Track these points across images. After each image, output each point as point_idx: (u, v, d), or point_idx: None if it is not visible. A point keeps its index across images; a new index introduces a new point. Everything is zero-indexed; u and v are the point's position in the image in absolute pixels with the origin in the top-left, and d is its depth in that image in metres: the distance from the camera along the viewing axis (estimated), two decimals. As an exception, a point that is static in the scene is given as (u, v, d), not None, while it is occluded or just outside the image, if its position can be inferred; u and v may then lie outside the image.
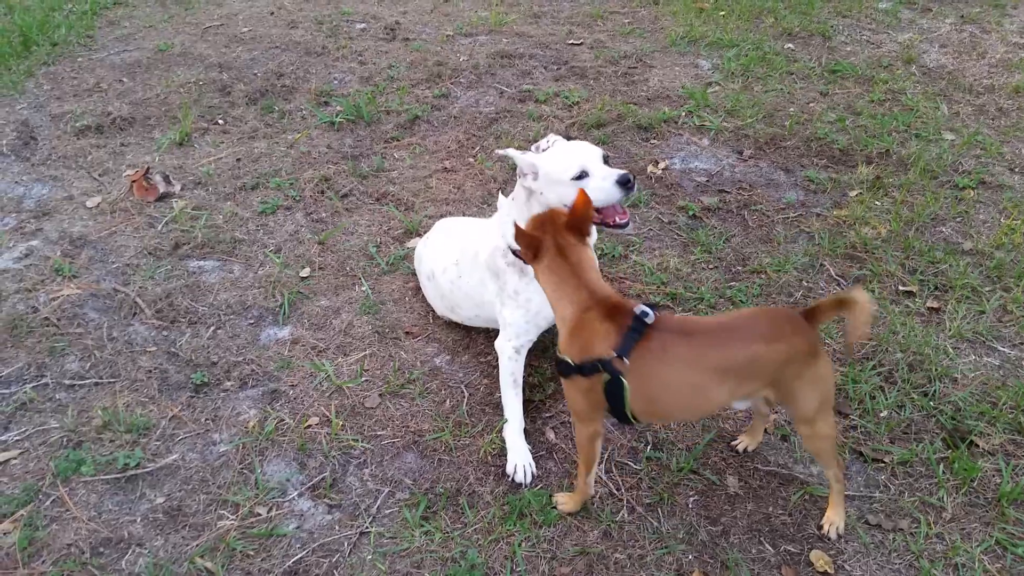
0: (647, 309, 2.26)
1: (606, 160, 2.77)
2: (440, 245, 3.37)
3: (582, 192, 2.37)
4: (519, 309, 2.94)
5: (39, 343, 3.31)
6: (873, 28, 6.67)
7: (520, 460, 2.81)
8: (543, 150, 2.89)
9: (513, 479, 2.78)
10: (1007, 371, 3.25)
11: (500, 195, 2.99)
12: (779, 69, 5.84)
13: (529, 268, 2.71)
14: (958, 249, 3.94)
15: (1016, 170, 4.64)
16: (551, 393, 3.14)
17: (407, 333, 3.45)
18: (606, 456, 2.88)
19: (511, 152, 2.87)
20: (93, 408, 3.03)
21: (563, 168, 2.72)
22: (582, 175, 2.69)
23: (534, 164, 2.78)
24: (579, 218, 2.36)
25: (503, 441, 2.89)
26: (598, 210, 2.69)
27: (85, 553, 2.52)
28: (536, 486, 2.77)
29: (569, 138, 2.96)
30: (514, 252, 2.83)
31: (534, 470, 2.82)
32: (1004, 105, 5.36)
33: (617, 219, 2.75)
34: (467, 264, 3.15)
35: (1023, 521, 2.64)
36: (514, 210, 2.89)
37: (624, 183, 2.67)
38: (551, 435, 2.98)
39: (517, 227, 2.33)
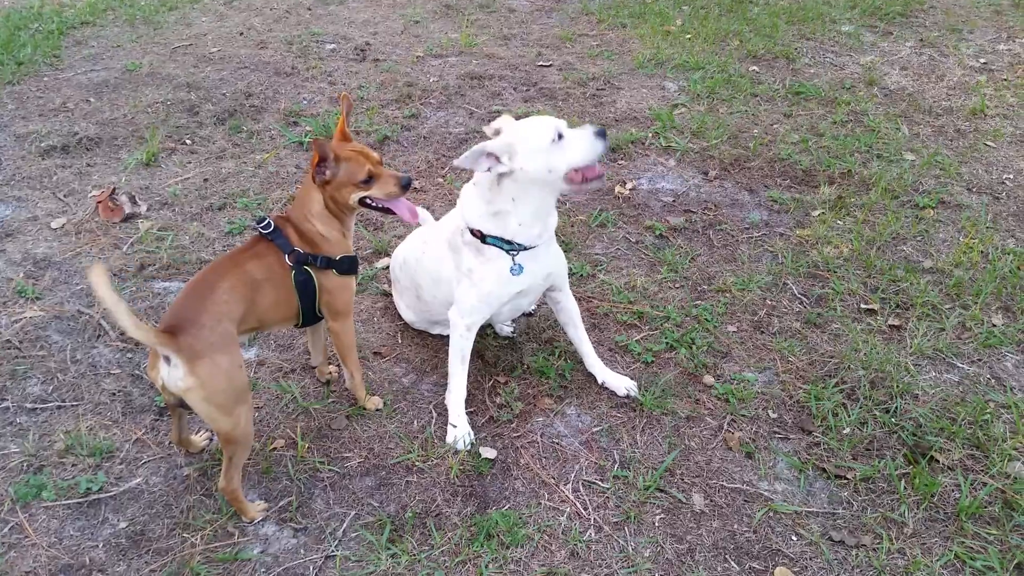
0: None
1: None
2: (417, 233, 3.42)
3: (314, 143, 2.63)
4: (472, 288, 2.96)
5: (0, 366, 3.26)
6: (836, 51, 6.82)
7: (460, 431, 3.00)
8: (496, 131, 2.89)
9: (454, 447, 2.97)
10: (966, 387, 3.32)
11: (465, 186, 3.01)
12: (744, 91, 5.94)
13: (486, 248, 2.91)
14: (918, 267, 4.03)
15: (974, 190, 4.75)
16: (518, 413, 3.15)
17: (375, 353, 3.45)
18: (573, 476, 2.90)
19: (487, 142, 2.77)
20: (55, 432, 2.99)
21: (540, 135, 2.73)
22: (559, 137, 2.73)
23: (510, 144, 2.73)
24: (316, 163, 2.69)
25: (446, 407, 3.12)
26: (578, 169, 2.77)
27: (44, 580, 2.48)
28: (504, 507, 2.77)
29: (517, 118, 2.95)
30: (471, 232, 2.91)
31: (472, 439, 3.00)
32: (962, 127, 5.50)
33: (597, 172, 2.79)
34: (432, 240, 3.20)
35: (981, 535, 2.69)
36: (477, 195, 2.89)
37: (602, 134, 2.75)
38: (525, 457, 2.99)
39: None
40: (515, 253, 2.88)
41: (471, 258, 2.94)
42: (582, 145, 2.73)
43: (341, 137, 2.79)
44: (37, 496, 2.74)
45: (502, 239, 2.86)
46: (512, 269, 2.89)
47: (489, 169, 2.76)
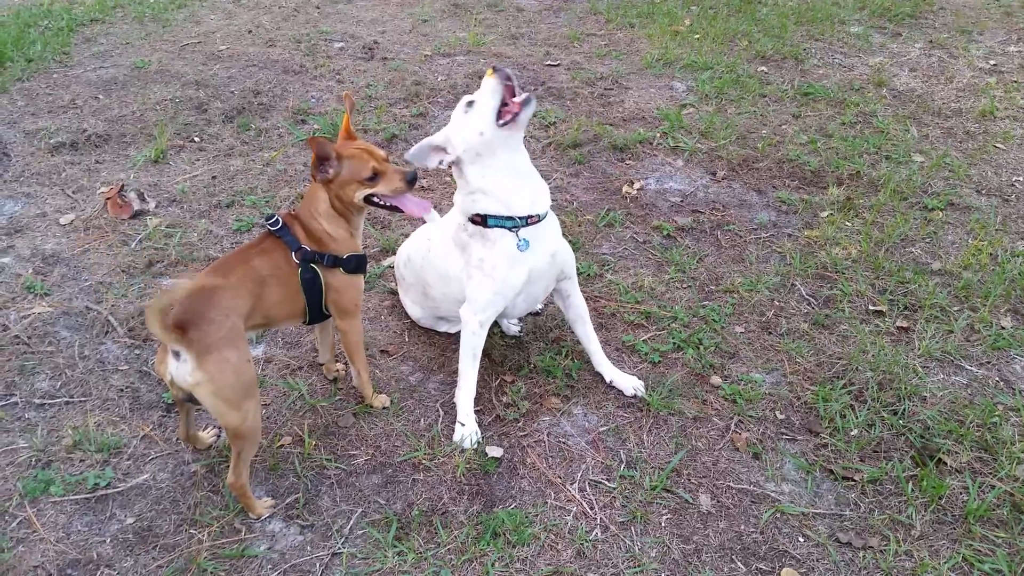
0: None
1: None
2: (421, 231, 3.44)
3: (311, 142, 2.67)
4: (486, 278, 2.96)
5: (9, 361, 3.27)
6: (845, 52, 6.80)
7: (468, 429, 3.01)
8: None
9: (460, 446, 2.97)
10: (974, 390, 3.31)
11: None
12: (752, 91, 5.93)
13: (490, 232, 2.91)
14: (927, 269, 4.01)
15: (983, 192, 4.74)
16: (525, 412, 3.15)
17: (382, 351, 3.45)
18: (579, 475, 2.89)
19: (430, 137, 2.96)
20: (63, 427, 3.00)
21: (455, 115, 2.91)
22: (471, 103, 2.86)
23: (446, 135, 2.91)
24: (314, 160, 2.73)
25: (455, 405, 3.10)
26: (505, 104, 2.84)
27: (52, 575, 2.49)
28: (510, 506, 2.77)
29: None
30: (471, 220, 2.93)
31: (479, 438, 3.00)
32: (971, 128, 5.48)
33: (521, 101, 2.82)
34: (437, 239, 3.21)
35: (989, 538, 2.68)
36: (458, 191, 3.00)
37: (494, 69, 2.85)
38: (531, 456, 2.99)
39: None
40: (517, 229, 2.89)
41: (479, 248, 2.95)
42: (485, 92, 2.83)
43: (346, 135, 2.80)
44: (45, 491, 2.75)
45: (503, 217, 2.88)
46: (519, 245, 2.90)
47: (441, 162, 2.92)
